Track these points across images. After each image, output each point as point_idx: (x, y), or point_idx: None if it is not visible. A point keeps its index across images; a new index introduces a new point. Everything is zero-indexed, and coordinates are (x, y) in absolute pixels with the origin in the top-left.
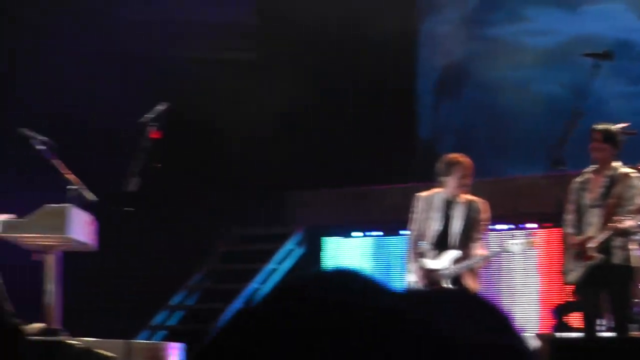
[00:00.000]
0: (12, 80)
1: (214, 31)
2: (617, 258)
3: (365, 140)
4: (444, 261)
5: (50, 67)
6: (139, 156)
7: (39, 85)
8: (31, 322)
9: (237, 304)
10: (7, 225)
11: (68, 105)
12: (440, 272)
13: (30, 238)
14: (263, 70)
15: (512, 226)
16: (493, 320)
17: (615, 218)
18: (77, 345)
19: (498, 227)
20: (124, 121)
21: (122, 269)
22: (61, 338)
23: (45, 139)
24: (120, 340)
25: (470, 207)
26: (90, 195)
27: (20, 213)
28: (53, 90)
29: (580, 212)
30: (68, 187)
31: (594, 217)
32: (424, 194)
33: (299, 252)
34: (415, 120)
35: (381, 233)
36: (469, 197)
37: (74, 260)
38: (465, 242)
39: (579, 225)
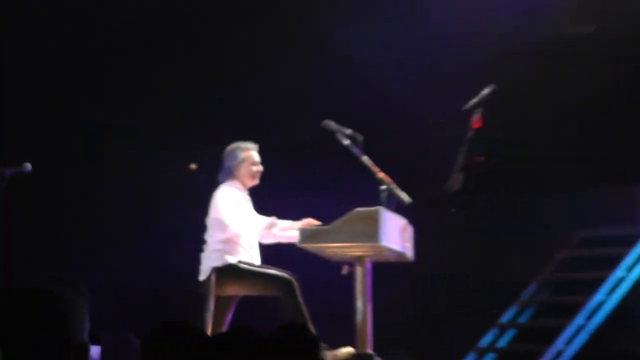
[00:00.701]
0: (317, 72)
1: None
2: None
3: None
4: None
5: (362, 58)
6: (462, 149)
7: (349, 76)
8: (339, 347)
9: (579, 319)
10: (308, 233)
11: (379, 95)
12: None
13: (337, 248)
14: (595, 50)
15: None
16: None
17: None
18: None
19: None
20: (440, 111)
21: (442, 281)
22: None
23: (352, 132)
24: None
25: None
26: (405, 197)
27: (323, 218)
28: (364, 81)
29: None
30: (380, 187)
31: None
32: None
33: None
34: None
35: None
36: None
37: (387, 272)
38: None
39: None
